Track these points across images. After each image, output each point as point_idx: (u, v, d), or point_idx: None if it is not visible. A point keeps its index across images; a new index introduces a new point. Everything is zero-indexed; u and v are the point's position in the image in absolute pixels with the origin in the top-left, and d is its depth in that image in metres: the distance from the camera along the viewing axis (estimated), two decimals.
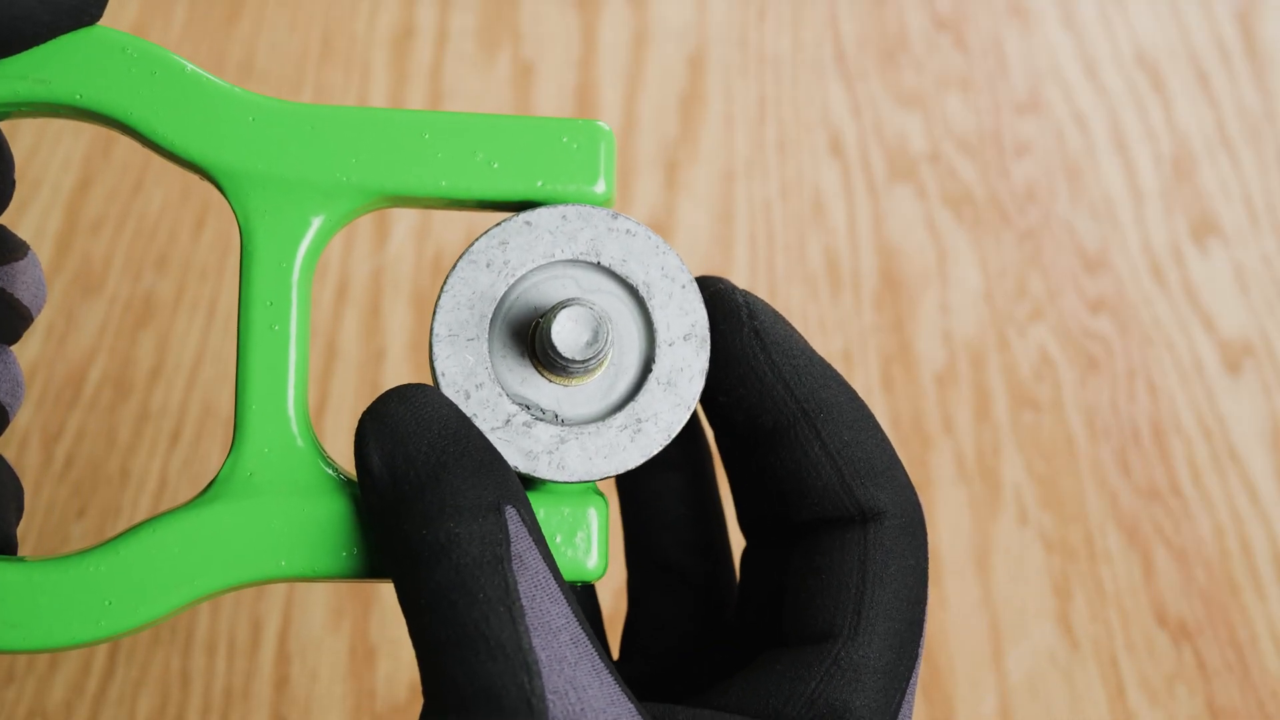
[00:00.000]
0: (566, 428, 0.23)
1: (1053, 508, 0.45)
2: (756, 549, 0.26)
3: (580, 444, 0.23)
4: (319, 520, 0.22)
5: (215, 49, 0.53)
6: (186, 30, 0.53)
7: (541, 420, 0.23)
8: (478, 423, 0.22)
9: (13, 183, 0.24)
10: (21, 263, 0.24)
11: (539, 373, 0.23)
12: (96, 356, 0.45)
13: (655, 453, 0.23)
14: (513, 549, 0.20)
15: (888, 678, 0.22)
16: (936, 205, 0.52)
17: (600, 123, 0.24)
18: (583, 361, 0.22)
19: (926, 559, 0.23)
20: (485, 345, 0.22)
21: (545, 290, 0.23)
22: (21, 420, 0.43)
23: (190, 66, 0.23)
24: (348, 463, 0.43)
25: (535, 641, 0.19)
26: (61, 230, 0.48)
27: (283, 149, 0.23)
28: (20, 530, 0.41)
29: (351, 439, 0.46)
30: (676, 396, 0.23)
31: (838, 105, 0.54)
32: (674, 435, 0.23)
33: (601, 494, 0.24)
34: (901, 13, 0.57)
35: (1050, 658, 0.42)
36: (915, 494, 0.23)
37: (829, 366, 0.24)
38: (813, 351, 0.24)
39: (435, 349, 0.22)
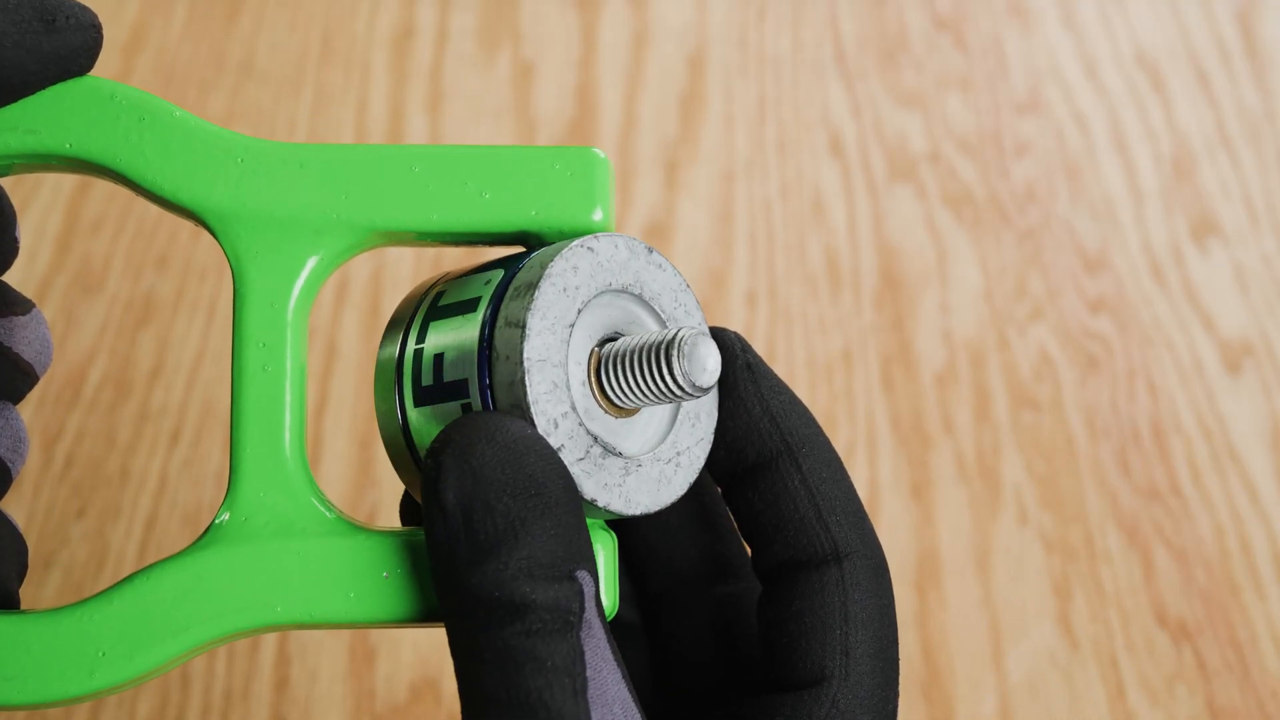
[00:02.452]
0: (627, 460, 0.22)
1: (1053, 508, 0.45)
2: (697, 596, 0.26)
3: (639, 476, 0.22)
4: (316, 563, 0.22)
5: (215, 49, 0.53)
6: (186, 30, 0.53)
7: (609, 452, 0.22)
8: (563, 454, 0.21)
9: (14, 240, 0.23)
10: (23, 318, 0.24)
11: (597, 403, 0.22)
12: (96, 356, 0.45)
13: (691, 484, 0.23)
14: (584, 615, 0.20)
15: (882, 717, 0.23)
16: (936, 205, 0.52)
17: (595, 150, 0.24)
18: (707, 388, 0.21)
19: (894, 599, 0.24)
20: (565, 373, 0.21)
21: (594, 318, 0.22)
22: (22, 420, 0.43)
23: (178, 111, 0.23)
24: (343, 474, 0.43)
25: (594, 715, 0.19)
26: (61, 230, 0.48)
27: (273, 189, 0.23)
28: (20, 530, 0.41)
29: (351, 439, 0.46)
30: (701, 430, 0.24)
31: (838, 105, 0.54)
32: (700, 468, 0.24)
33: (609, 530, 0.23)
34: (901, 13, 0.57)
35: (1050, 658, 0.42)
36: (877, 537, 0.24)
37: (808, 409, 0.25)
38: (794, 393, 0.25)
39: (530, 375, 0.21)
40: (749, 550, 0.25)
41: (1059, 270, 0.50)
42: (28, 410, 0.43)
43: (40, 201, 0.48)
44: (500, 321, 0.21)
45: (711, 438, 0.24)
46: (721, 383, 0.24)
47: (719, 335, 0.24)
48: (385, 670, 0.40)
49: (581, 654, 0.19)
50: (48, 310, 0.46)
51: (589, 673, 0.19)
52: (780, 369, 0.47)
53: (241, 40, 0.53)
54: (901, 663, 0.42)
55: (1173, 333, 0.49)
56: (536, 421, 0.21)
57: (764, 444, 0.24)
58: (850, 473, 0.45)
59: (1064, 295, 0.50)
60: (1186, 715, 0.41)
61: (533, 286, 0.21)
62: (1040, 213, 0.52)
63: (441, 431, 0.21)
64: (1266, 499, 0.46)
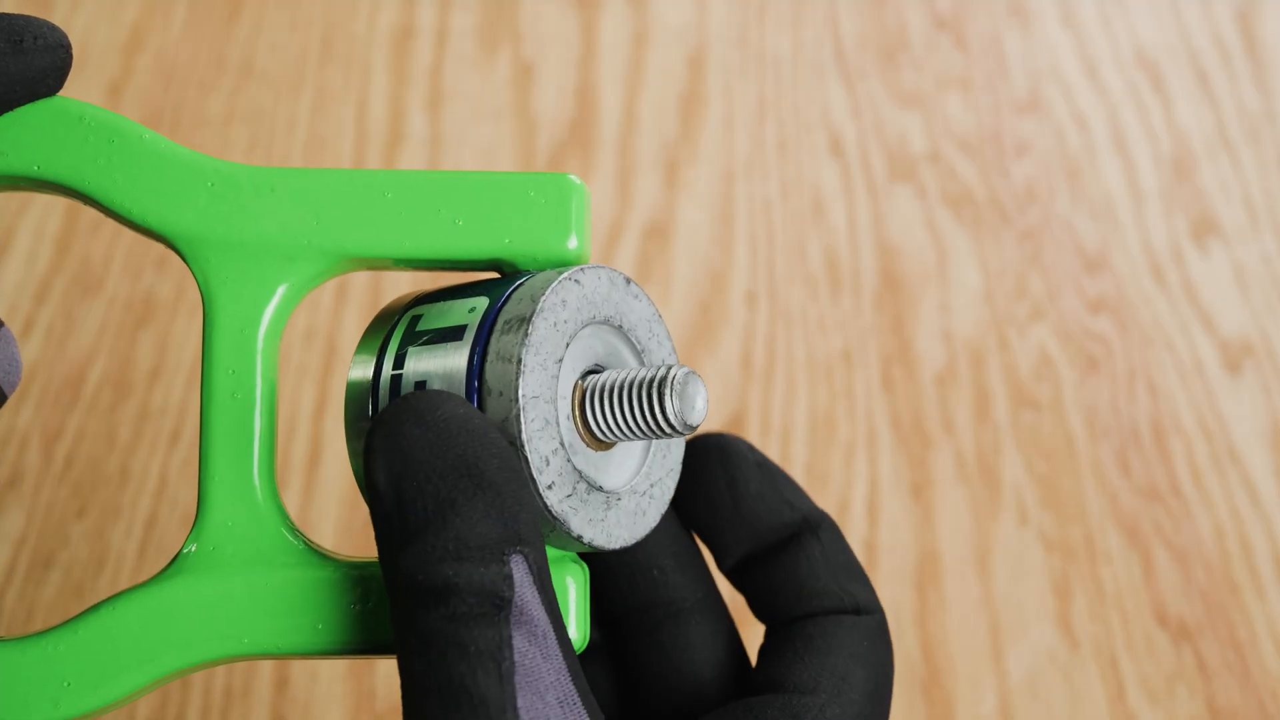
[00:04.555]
0: (608, 494, 0.22)
1: (1053, 508, 0.45)
2: (662, 617, 0.27)
3: (619, 510, 0.22)
4: (284, 595, 0.21)
5: (215, 49, 0.53)
6: (186, 30, 0.53)
7: (592, 487, 0.22)
8: (552, 492, 0.21)
9: None
10: None
11: (579, 437, 0.22)
12: (96, 356, 0.45)
13: (663, 514, 0.24)
14: (516, 599, 0.19)
15: None
16: (936, 205, 0.52)
17: (571, 176, 0.23)
18: (696, 426, 0.21)
19: (893, 665, 0.25)
20: (555, 409, 0.21)
21: (577, 350, 0.22)
22: (21, 421, 0.43)
23: (148, 134, 0.23)
24: (343, 474, 0.43)
25: (521, 702, 0.19)
26: (61, 230, 0.48)
27: (243, 214, 0.23)
28: (20, 530, 0.41)
29: None
30: (671, 461, 0.24)
31: (838, 105, 0.54)
32: (671, 498, 0.24)
33: (579, 561, 0.23)
34: (901, 13, 0.57)
35: (1050, 658, 0.42)
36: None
37: (799, 488, 0.27)
38: (795, 483, 0.27)
39: (525, 413, 0.20)
40: (766, 623, 0.26)
41: (1059, 270, 0.50)
42: (27, 411, 0.43)
43: (40, 202, 0.48)
44: (492, 356, 0.21)
45: (680, 467, 0.24)
46: (707, 495, 0.26)
47: (728, 442, 0.26)
48: (385, 670, 0.40)
49: (509, 639, 0.19)
50: (47, 311, 0.46)
51: (517, 657, 0.19)
52: (780, 369, 0.47)
53: (241, 40, 0.53)
54: (902, 662, 0.42)
55: (1173, 333, 0.49)
56: (530, 460, 0.20)
57: (783, 527, 0.26)
58: (850, 473, 0.45)
59: (1064, 295, 0.50)
60: (1186, 715, 0.41)
61: (525, 321, 0.21)
62: (1040, 213, 0.52)
63: (376, 414, 0.20)
64: (1266, 499, 0.46)
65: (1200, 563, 0.44)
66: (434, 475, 0.19)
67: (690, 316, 0.48)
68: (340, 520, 0.42)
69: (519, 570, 0.19)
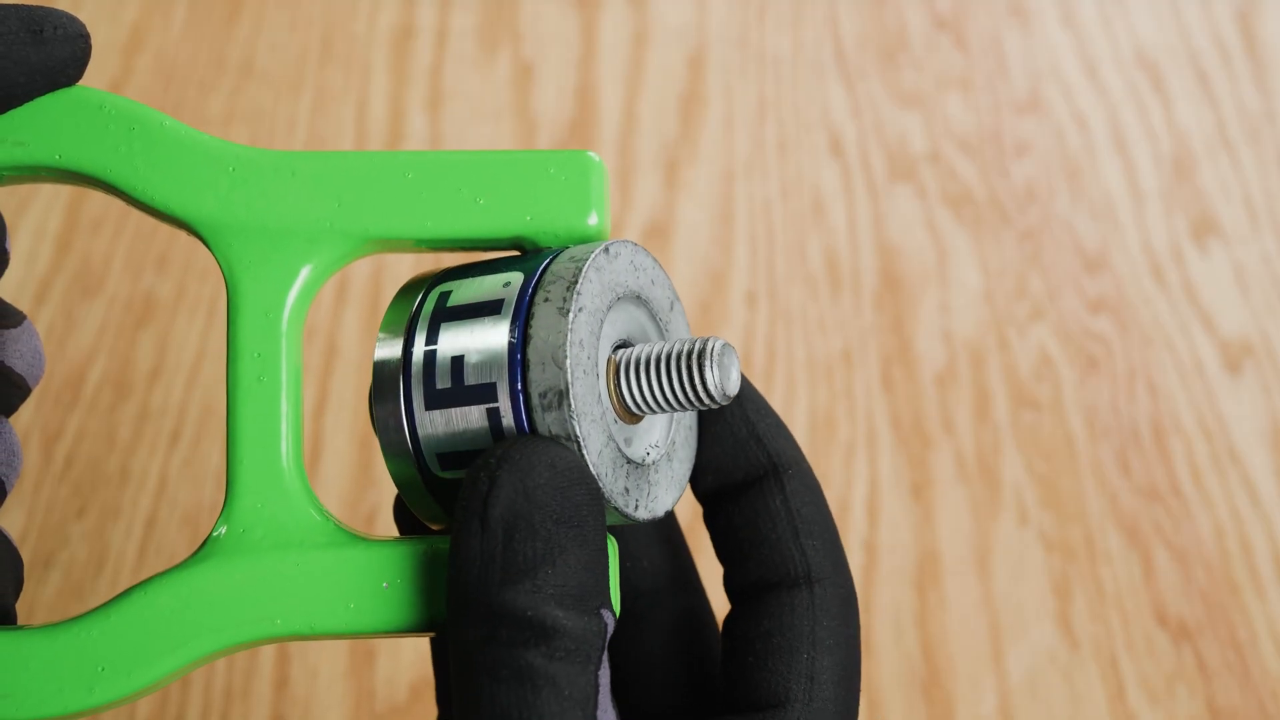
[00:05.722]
0: (642, 466, 0.22)
1: (1053, 508, 0.45)
2: (651, 608, 0.26)
3: (652, 480, 0.22)
4: (315, 574, 0.22)
5: (215, 49, 0.53)
6: (186, 30, 0.53)
7: (628, 461, 0.22)
8: (603, 482, 0.21)
9: (5, 251, 0.23)
10: (14, 331, 0.24)
11: (614, 412, 0.22)
12: (96, 356, 0.45)
13: (689, 477, 0.24)
14: (602, 655, 0.20)
15: None
16: (936, 205, 0.52)
17: (590, 153, 0.23)
18: (734, 396, 0.21)
19: (859, 630, 0.24)
20: (597, 383, 0.21)
21: (608, 325, 0.22)
22: (22, 420, 0.43)
23: (168, 120, 0.23)
24: (343, 474, 0.43)
25: None
26: (61, 230, 0.48)
27: (265, 198, 0.23)
28: (20, 530, 0.41)
29: (351, 438, 0.46)
30: (690, 423, 0.24)
31: (838, 105, 0.54)
32: (694, 459, 0.24)
33: (609, 535, 0.23)
34: (901, 13, 0.57)
35: (1050, 658, 0.42)
36: (849, 568, 0.24)
37: (791, 433, 0.25)
38: (778, 416, 0.25)
39: (576, 404, 0.20)
40: (723, 568, 0.25)
41: (1059, 270, 0.50)
42: (27, 410, 0.43)
43: (40, 201, 0.48)
44: (533, 331, 0.21)
45: (696, 427, 0.24)
46: (706, 411, 0.25)
47: None
48: (385, 670, 0.40)
49: (597, 690, 0.19)
50: (47, 311, 0.46)
51: (598, 713, 0.19)
52: (780, 369, 0.47)
53: (241, 40, 0.53)
54: (902, 662, 0.42)
55: (1173, 333, 0.49)
56: (587, 453, 0.21)
57: (750, 465, 0.24)
58: (850, 473, 0.45)
59: (1064, 295, 0.50)
60: (1186, 715, 0.41)
61: (565, 298, 0.21)
62: (1040, 213, 0.52)
63: (496, 447, 0.20)
64: (1266, 499, 0.46)
65: (1200, 563, 0.44)
66: (549, 519, 0.20)
67: (690, 316, 0.48)
68: (340, 519, 0.42)
69: (609, 626, 0.20)
